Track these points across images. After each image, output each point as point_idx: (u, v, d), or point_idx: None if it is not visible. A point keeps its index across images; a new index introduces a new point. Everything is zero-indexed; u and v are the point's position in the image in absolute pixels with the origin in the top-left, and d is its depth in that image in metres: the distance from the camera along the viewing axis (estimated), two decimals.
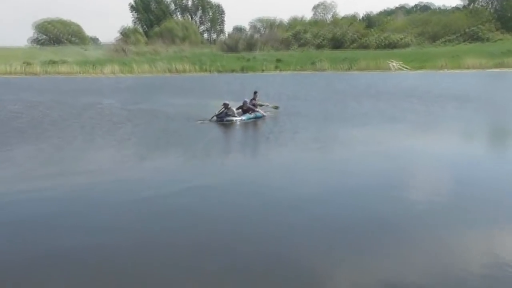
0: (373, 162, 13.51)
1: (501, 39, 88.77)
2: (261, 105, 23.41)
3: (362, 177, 11.96)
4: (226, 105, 21.55)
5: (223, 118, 21.14)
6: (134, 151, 16.04)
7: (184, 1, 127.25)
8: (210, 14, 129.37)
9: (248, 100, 22.89)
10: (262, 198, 10.48)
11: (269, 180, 11.70)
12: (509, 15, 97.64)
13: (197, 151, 15.77)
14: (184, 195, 10.84)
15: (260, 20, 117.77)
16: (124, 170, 13.30)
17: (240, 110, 22.55)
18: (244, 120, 21.45)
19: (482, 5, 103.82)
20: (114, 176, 12.56)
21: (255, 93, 23.97)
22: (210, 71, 73.27)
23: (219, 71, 72.96)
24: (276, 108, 23.55)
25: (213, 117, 21.50)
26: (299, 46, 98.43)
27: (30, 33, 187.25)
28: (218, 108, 22.43)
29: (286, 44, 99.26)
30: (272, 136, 18.01)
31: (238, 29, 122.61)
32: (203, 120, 21.99)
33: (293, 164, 13.42)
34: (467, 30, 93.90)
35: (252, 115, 22.12)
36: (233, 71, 73.53)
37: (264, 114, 22.57)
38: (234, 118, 21.25)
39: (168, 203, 10.32)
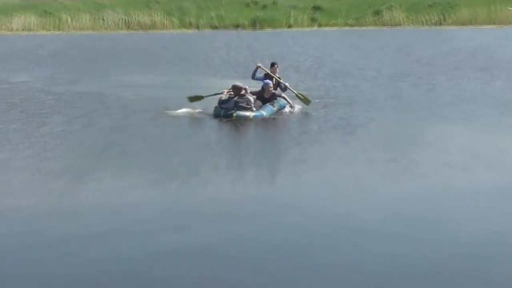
0: (483, 203, 9.35)
1: None
2: (284, 88, 17.01)
3: (462, 227, 8.42)
4: (237, 89, 15.40)
5: (229, 110, 15.16)
6: (66, 169, 11.22)
7: None
8: None
9: (269, 81, 16.49)
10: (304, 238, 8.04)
11: (308, 213, 8.99)
12: None
13: (180, 166, 11.42)
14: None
15: None
16: (49, 206, 9.21)
17: (258, 101, 16.11)
18: (265, 116, 15.51)
19: None
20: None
21: (272, 65, 17.20)
22: (197, 27, 51.74)
23: (213, 27, 51.66)
24: (307, 102, 16.82)
25: (209, 96, 15.89)
26: None
27: None
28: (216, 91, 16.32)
29: None
30: (309, 142, 13.26)
31: None
32: (189, 106, 16.01)
33: (346, 189, 10.17)
34: None
35: (276, 106, 16.17)
36: (237, 26, 51.66)
37: (291, 105, 16.50)
38: (249, 113, 15.28)
39: None
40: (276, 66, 16.92)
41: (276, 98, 16.10)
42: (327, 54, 32.44)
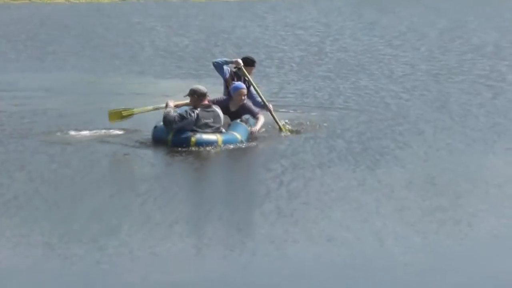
0: None
1: None
2: (262, 107, 14.10)
3: None
4: (199, 96, 12.60)
5: (184, 132, 12.34)
6: None
7: None
8: None
9: (242, 85, 13.41)
10: None
11: None
12: None
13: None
14: None
15: None
16: None
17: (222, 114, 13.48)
18: (239, 140, 12.68)
19: None
20: None
21: (249, 63, 13.89)
22: None
23: None
24: (289, 132, 14.00)
25: (144, 111, 13.35)
26: None
27: None
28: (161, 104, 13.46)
29: None
30: (312, 189, 10.72)
31: None
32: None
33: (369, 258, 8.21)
34: None
35: (248, 124, 13.52)
36: None
37: (276, 121, 13.93)
38: (217, 137, 12.48)
39: None
40: (253, 66, 13.93)
41: (251, 112, 13.29)
42: (330, 36, 27.98)
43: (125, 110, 12.75)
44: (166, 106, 12.27)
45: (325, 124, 14.29)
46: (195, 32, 29.44)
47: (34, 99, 16.80)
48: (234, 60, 13.56)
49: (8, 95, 17.22)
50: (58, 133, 13.34)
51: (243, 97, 12.70)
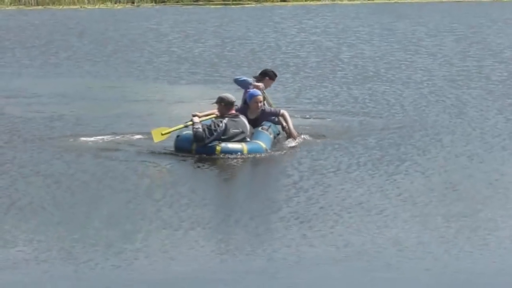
0: None
1: None
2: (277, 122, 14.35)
3: None
4: (228, 105, 12.85)
5: (208, 143, 12.50)
6: None
7: None
8: None
9: (257, 92, 13.48)
10: None
11: None
12: None
13: None
14: None
15: None
16: None
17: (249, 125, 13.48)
18: (264, 149, 12.73)
19: None
20: None
21: (268, 76, 13.98)
22: (132, 1, 42.24)
23: (157, 1, 42.92)
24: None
25: (178, 128, 13.06)
26: None
27: None
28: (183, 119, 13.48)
29: None
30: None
31: None
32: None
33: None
34: None
35: (270, 132, 13.42)
36: (209, 1, 43.47)
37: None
38: (242, 146, 12.58)
39: None
40: (272, 80, 13.91)
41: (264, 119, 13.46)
42: (345, 43, 27.71)
43: (164, 129, 12.86)
44: (193, 122, 12.16)
45: (343, 131, 14.16)
46: (210, 37, 29.29)
47: (49, 105, 16.74)
48: (254, 84, 13.65)
49: (23, 101, 17.33)
50: (74, 139, 13.29)
51: (259, 104, 12.70)
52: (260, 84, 13.53)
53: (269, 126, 12.91)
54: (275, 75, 13.86)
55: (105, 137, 13.22)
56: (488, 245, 8.72)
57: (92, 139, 13.14)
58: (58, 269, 7.86)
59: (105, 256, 7.98)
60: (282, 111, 13.28)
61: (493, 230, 9.14)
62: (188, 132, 12.29)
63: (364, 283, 7.55)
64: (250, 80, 13.59)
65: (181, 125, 12.59)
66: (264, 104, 13.38)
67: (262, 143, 12.24)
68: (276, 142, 13.14)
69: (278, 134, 13.30)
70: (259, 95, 12.89)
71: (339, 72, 21.13)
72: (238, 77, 13.84)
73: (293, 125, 13.57)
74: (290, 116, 13.87)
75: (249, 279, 7.48)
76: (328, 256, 8.11)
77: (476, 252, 8.45)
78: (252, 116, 12.64)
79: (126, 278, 7.64)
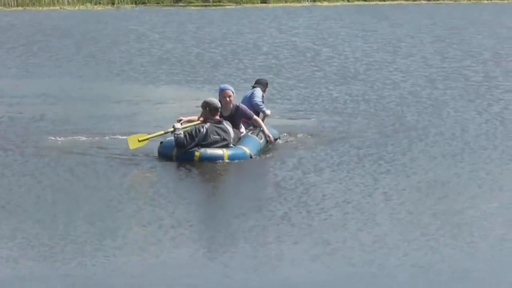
0: None
1: None
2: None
3: None
4: (212, 109, 12.51)
5: (189, 149, 12.25)
6: None
7: None
8: None
9: (226, 85, 13.47)
10: None
11: None
12: None
13: None
14: None
15: None
16: None
17: (235, 130, 13.01)
18: (249, 155, 12.29)
19: None
20: None
21: (262, 84, 13.96)
22: (112, 2, 40.98)
23: (137, 1, 41.97)
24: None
25: (157, 135, 12.78)
26: None
27: None
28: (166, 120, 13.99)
29: None
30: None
31: None
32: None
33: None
34: None
35: (260, 136, 13.24)
36: (178, 0, 42.57)
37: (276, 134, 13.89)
38: (222, 151, 12.34)
39: None
40: (265, 87, 13.75)
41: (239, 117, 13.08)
42: (325, 44, 27.85)
43: (141, 135, 12.62)
44: (174, 129, 11.91)
45: (324, 131, 14.12)
46: (191, 38, 29.27)
47: (30, 106, 16.70)
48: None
49: (4, 101, 17.17)
50: (54, 139, 13.15)
51: (227, 99, 12.24)
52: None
53: (260, 130, 12.57)
54: (266, 82, 13.72)
55: (86, 138, 13.06)
56: (472, 242, 8.70)
57: (73, 138, 12.97)
58: (38, 267, 7.78)
59: (85, 253, 7.93)
60: (254, 118, 12.99)
61: (476, 228, 9.13)
62: (171, 138, 12.06)
63: (347, 279, 7.54)
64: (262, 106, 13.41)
65: (161, 132, 12.39)
66: (236, 101, 12.96)
67: (246, 149, 11.85)
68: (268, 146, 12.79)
69: (277, 139, 13.05)
70: (228, 89, 12.59)
71: (319, 73, 21.03)
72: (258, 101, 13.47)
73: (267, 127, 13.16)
74: (271, 116, 13.73)
75: (232, 277, 7.46)
76: (312, 253, 8.02)
77: (459, 249, 8.42)
78: (225, 113, 12.24)
79: (106, 275, 7.59)
